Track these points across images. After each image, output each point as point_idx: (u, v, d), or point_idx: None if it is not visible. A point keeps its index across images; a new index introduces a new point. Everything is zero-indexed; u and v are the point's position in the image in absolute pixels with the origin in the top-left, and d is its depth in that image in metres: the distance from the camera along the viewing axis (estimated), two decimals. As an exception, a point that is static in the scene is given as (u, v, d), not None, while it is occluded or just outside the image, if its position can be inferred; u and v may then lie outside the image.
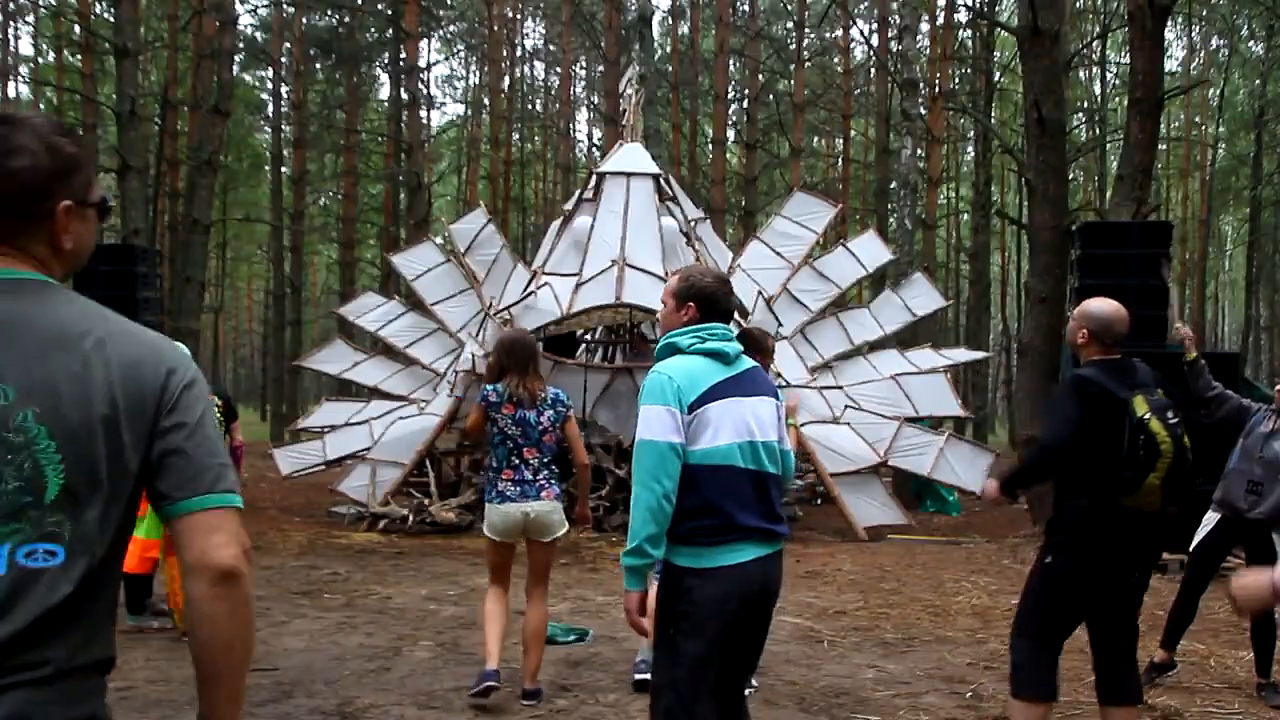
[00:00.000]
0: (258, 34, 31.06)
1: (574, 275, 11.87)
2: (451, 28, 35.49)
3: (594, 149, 37.66)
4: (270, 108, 32.00)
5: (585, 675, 5.62)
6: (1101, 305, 4.02)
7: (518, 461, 4.86)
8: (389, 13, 26.94)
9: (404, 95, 26.10)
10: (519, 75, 37.22)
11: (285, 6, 28.52)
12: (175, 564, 5.15)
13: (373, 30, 30.32)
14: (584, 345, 14.56)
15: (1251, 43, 32.79)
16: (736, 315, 11.70)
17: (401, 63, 26.69)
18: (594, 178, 12.97)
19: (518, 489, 4.83)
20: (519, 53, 36.84)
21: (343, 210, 30.75)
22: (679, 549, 2.99)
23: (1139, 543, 3.83)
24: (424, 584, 8.21)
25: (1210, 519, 5.62)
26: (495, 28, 32.31)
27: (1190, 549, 5.72)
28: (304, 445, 13.82)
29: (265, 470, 15.59)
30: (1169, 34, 28.11)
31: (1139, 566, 3.89)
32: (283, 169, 29.83)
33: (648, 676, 4.01)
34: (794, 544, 10.46)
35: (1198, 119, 37.26)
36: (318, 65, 31.40)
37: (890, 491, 12.25)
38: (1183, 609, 5.62)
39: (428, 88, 31.94)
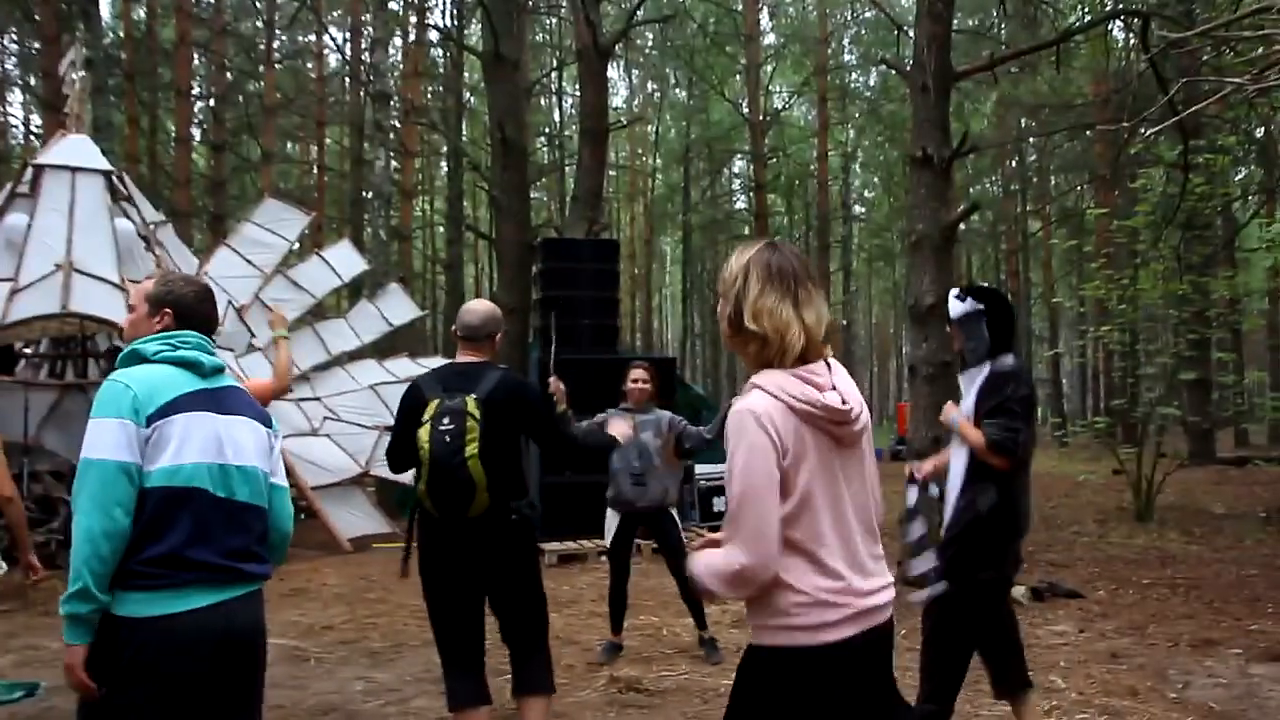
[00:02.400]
0: None
1: (9, 280, 10.41)
2: None
3: (31, 137, 33.08)
4: None
5: (37, 732, 5.02)
6: (469, 303, 4.18)
7: None
8: None
9: None
10: (-75, 43, 31.62)
11: None
12: None
13: None
14: (24, 360, 12.80)
15: (678, 90, 37.64)
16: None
17: None
18: (31, 170, 11.48)
19: None
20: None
21: None
22: (121, 593, 2.48)
23: (451, 544, 3.90)
24: None
25: (612, 516, 6.37)
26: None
27: (607, 547, 6.46)
28: None
29: None
30: (612, 74, 31.26)
31: (477, 566, 3.92)
32: None
33: None
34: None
35: (640, 151, 41.84)
36: None
37: (374, 501, 12.30)
38: (615, 600, 6.39)
39: None
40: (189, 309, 2.84)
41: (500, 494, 3.83)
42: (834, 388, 2.24)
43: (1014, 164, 33.54)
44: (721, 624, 6.96)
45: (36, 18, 24.25)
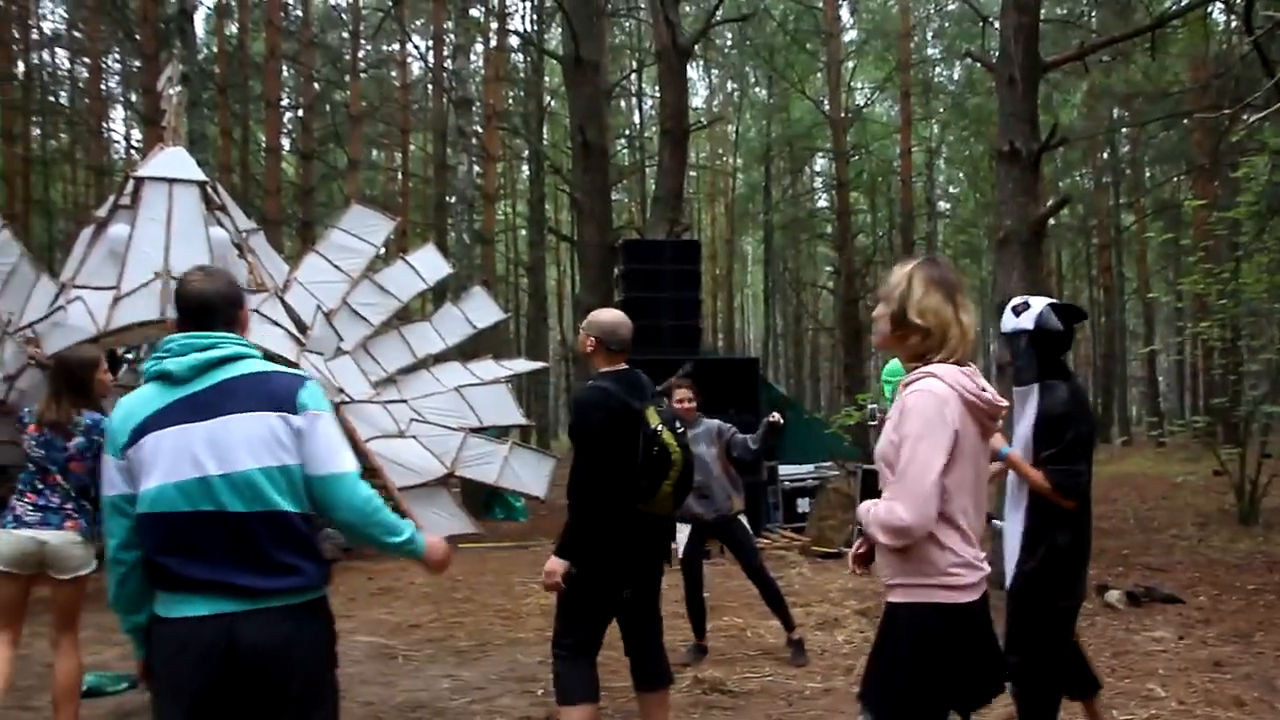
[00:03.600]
0: None
1: (111, 288, 10.81)
2: (-56, 1, 30.66)
3: (132, 151, 34.33)
4: None
5: (139, 724, 5.20)
6: (604, 313, 4.19)
7: (41, 486, 4.46)
8: None
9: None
10: (36, 62, 33.00)
11: None
12: None
13: None
14: (126, 364, 13.28)
15: (758, 89, 37.43)
16: (292, 328, 11.35)
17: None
18: (131, 182, 11.90)
19: (37, 514, 4.41)
20: (34, 36, 32.65)
21: None
22: (157, 595, 2.52)
23: (652, 544, 4.12)
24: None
25: (681, 529, 6.36)
26: (2, 3, 28.41)
27: (680, 558, 6.46)
28: None
29: None
30: (692, 74, 31.21)
31: (652, 565, 4.17)
32: None
33: None
34: (365, 561, 10.33)
35: (720, 151, 41.71)
36: None
37: (459, 502, 12.46)
38: (694, 607, 6.40)
39: (-86, 69, 27.31)
40: (183, 305, 2.62)
41: None
42: (987, 387, 2.63)
43: (1106, 156, 32.56)
44: (806, 625, 6.90)
45: (137, 36, 25.18)
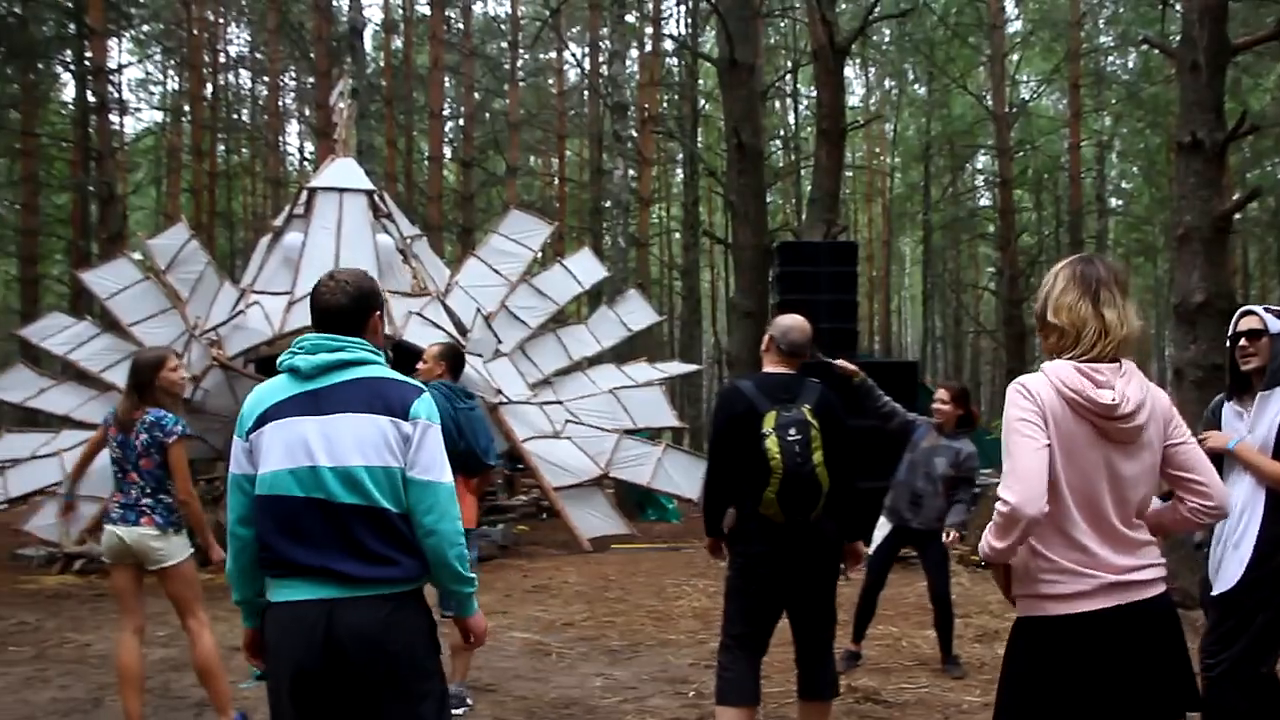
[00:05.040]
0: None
1: (286, 294, 11.41)
2: (145, 28, 33.02)
3: (305, 163, 36.18)
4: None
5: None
6: (786, 317, 4.29)
7: (124, 484, 4.74)
8: (69, 5, 24.70)
9: (91, 98, 24.01)
10: (222, 83, 35.18)
11: (-61, -8, 25.47)
12: None
13: (51, 23, 27.68)
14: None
15: (916, 86, 36.48)
16: (453, 331, 11.69)
17: (87, 62, 24.52)
18: (305, 193, 12.52)
19: (119, 511, 4.69)
20: (222, 59, 34.82)
21: (22, 222, 27.73)
22: (266, 580, 2.70)
23: (784, 548, 3.98)
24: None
25: (882, 524, 6.21)
26: (195, 31, 30.38)
27: (869, 555, 6.24)
28: (-21, 483, 12.36)
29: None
30: (849, 73, 30.67)
31: (799, 570, 4.02)
32: (-59, 174, 26.62)
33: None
34: (520, 559, 10.54)
35: (877, 150, 40.85)
36: (-16, 59, 28.26)
37: (612, 502, 12.58)
38: (864, 608, 6.23)
39: (119, 91, 29.53)
40: (316, 309, 2.79)
41: (832, 499, 4.04)
42: (1111, 386, 2.45)
43: (1300, 145, 30.33)
44: (964, 638, 6.65)
45: (311, 55, 26.52)
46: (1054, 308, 2.56)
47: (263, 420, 2.67)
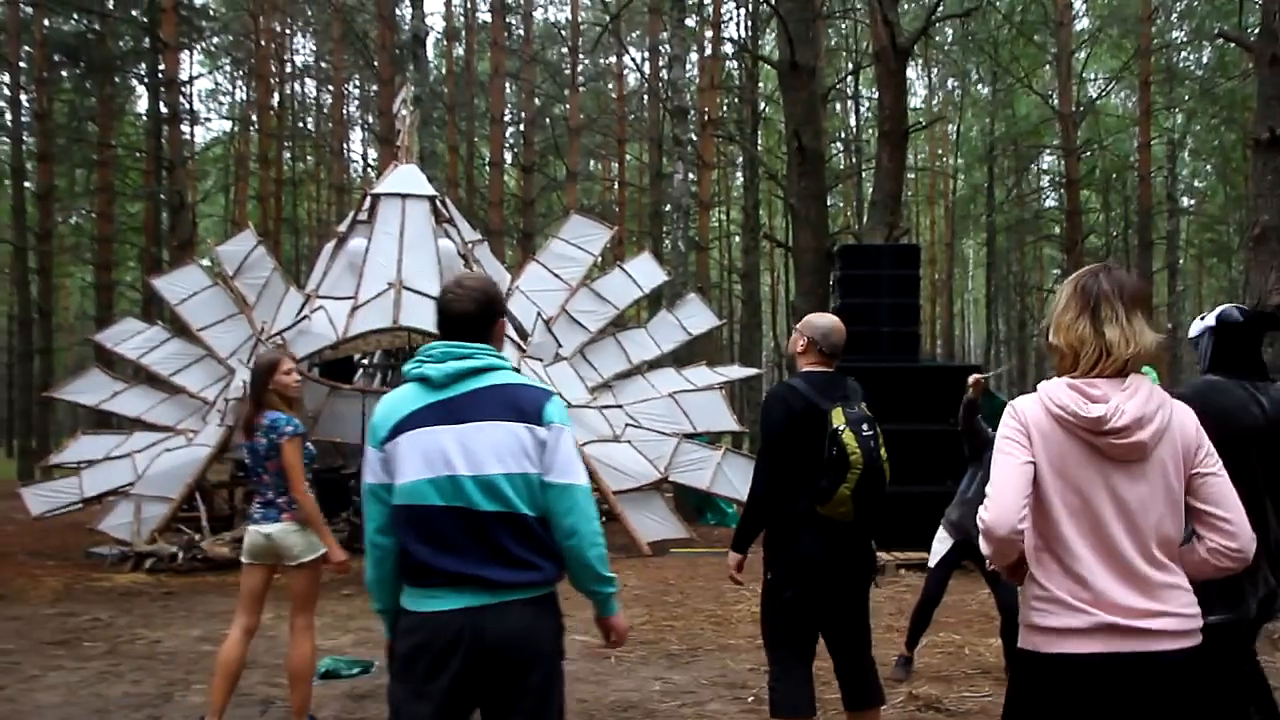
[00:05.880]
0: (-11, 36, 28.48)
1: (349, 298, 11.56)
2: (215, 40, 33.84)
3: (369, 169, 36.77)
4: (8, 116, 29.36)
5: (370, 709, 5.48)
6: (821, 316, 4.24)
7: (259, 486, 4.88)
8: (144, 20, 25.39)
9: (163, 109, 24.66)
10: (289, 92, 35.91)
11: (23, 7, 26.30)
12: None
13: (127, 38, 28.49)
14: (362, 370, 14.17)
15: (980, 86, 35.96)
16: (514, 335, 11.78)
17: (160, 74, 25.19)
18: (369, 199, 12.69)
19: (261, 511, 4.83)
20: (288, 69, 35.54)
21: (98, 230, 28.56)
22: (404, 589, 2.71)
23: (839, 550, 3.94)
24: (197, 624, 7.75)
25: (944, 538, 6.02)
26: (263, 42, 31.05)
27: (929, 566, 6.15)
28: (57, 483, 12.69)
29: (12, 512, 14.29)
30: (911, 74, 30.34)
31: (846, 574, 3.99)
32: (25, 184, 27.47)
33: None
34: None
35: (940, 151, 40.36)
36: (64, 73, 29.15)
37: (671, 506, 12.55)
38: (920, 618, 6.08)
39: (190, 102, 30.27)
40: (442, 316, 2.80)
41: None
42: (1106, 400, 2.26)
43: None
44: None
45: (375, 64, 26.94)
46: (1054, 326, 2.39)
47: (397, 430, 2.68)
